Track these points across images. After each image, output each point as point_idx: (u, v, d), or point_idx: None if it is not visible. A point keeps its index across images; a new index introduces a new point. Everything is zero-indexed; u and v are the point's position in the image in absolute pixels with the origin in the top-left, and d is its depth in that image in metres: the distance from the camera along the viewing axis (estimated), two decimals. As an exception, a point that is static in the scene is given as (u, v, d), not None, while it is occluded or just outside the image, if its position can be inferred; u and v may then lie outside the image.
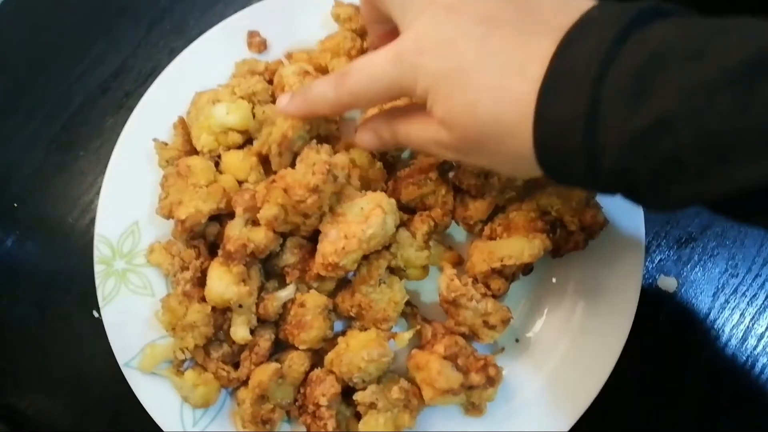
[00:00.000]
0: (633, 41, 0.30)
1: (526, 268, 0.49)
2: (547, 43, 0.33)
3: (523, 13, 0.35)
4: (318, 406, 0.47)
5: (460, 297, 0.46)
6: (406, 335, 0.49)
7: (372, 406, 0.47)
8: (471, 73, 0.35)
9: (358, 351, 0.47)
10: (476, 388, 0.47)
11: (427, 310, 0.52)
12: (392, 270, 0.51)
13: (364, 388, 0.47)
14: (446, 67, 0.36)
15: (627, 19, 0.30)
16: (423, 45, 0.37)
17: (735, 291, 0.54)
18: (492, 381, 0.47)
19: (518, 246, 0.46)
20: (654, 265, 0.55)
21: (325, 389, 0.47)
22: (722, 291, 0.54)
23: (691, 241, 0.55)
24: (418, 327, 0.50)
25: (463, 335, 0.49)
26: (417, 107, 0.41)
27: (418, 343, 0.50)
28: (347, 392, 0.49)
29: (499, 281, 0.48)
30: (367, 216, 0.46)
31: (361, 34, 0.55)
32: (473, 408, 0.48)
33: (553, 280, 0.52)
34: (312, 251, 0.51)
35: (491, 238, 0.50)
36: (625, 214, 0.51)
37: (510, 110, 0.34)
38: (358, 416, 0.48)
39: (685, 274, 0.54)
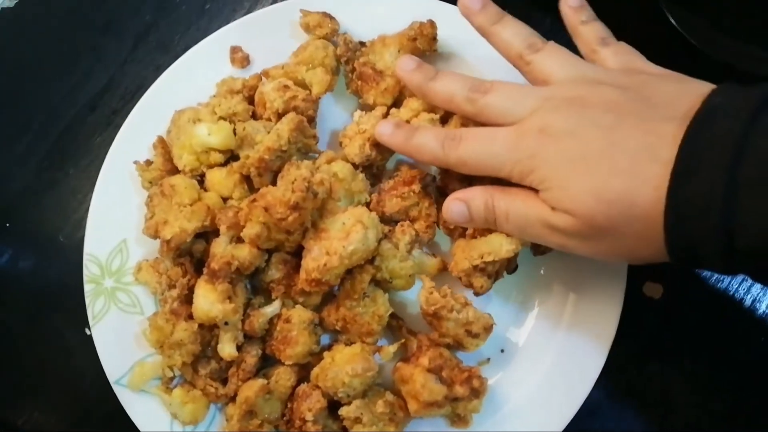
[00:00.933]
0: (763, 126, 0.32)
1: (510, 266, 0.49)
2: (673, 128, 0.35)
3: (644, 100, 0.38)
4: (304, 421, 0.48)
5: (440, 309, 0.47)
6: (391, 349, 0.49)
7: (357, 420, 0.47)
8: (599, 160, 0.37)
9: (343, 366, 0.47)
10: (461, 400, 0.47)
11: (414, 322, 0.53)
12: (377, 282, 0.51)
13: (349, 403, 0.48)
14: (571, 155, 0.38)
15: (754, 104, 0.33)
16: (546, 134, 0.39)
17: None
18: (476, 392, 0.47)
19: (497, 242, 0.46)
20: (640, 270, 0.55)
21: (311, 404, 0.48)
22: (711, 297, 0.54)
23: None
24: (404, 340, 0.51)
25: (448, 346, 0.49)
26: (519, 187, 0.42)
27: (404, 355, 0.51)
28: (334, 406, 0.49)
29: (482, 279, 0.48)
30: (348, 232, 0.47)
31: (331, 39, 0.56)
32: (459, 420, 0.49)
33: (539, 276, 0.53)
34: (297, 266, 0.51)
35: (474, 237, 0.50)
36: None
37: (643, 193, 0.35)
38: (344, 430, 0.49)
39: (671, 280, 0.54)
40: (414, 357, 0.49)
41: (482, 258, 0.46)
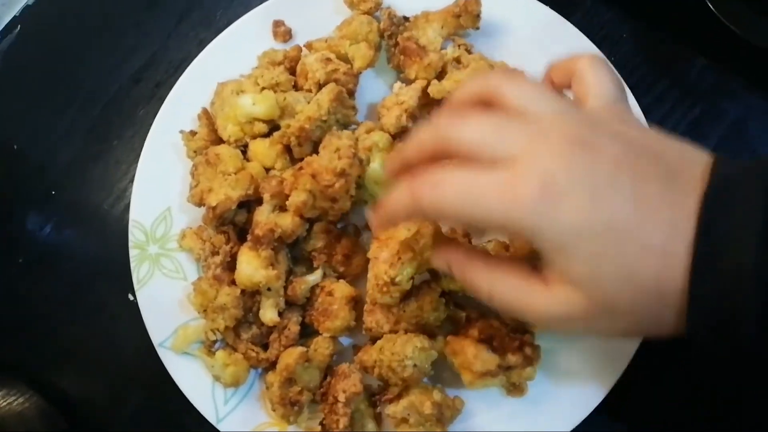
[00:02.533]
0: None
1: None
2: (692, 202, 0.31)
3: (658, 162, 0.33)
4: (336, 400, 0.48)
5: None
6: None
7: (404, 420, 0.47)
8: (628, 233, 0.31)
9: (404, 344, 0.47)
10: (515, 369, 0.47)
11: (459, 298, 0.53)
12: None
13: (398, 390, 0.47)
14: (593, 222, 0.32)
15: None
16: (556, 187, 0.32)
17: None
18: (530, 360, 0.47)
19: None
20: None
21: (346, 386, 0.47)
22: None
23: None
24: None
25: (511, 328, 0.48)
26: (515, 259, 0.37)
27: (454, 328, 0.50)
28: (372, 393, 0.50)
29: None
30: (418, 229, 0.46)
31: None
32: (514, 389, 0.48)
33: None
34: (338, 236, 0.52)
35: None
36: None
37: (674, 276, 0.31)
38: (377, 419, 0.49)
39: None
40: (464, 329, 0.49)
41: None
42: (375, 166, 0.51)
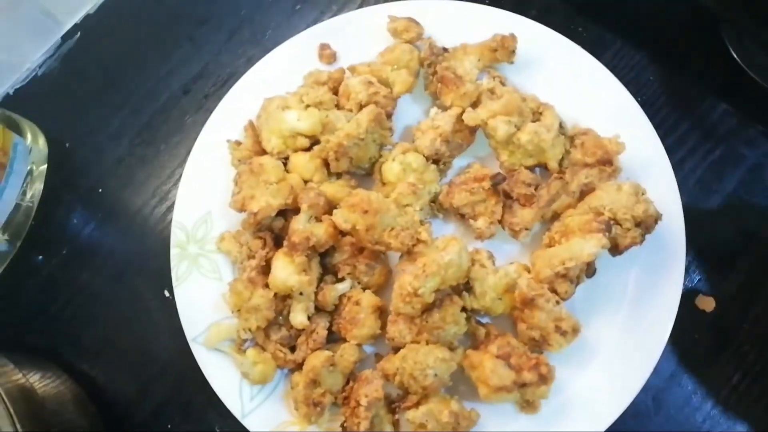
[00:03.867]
0: None
1: (589, 270, 0.51)
2: None
3: None
4: (358, 404, 0.50)
5: (538, 297, 0.48)
6: None
7: (422, 426, 0.49)
8: None
9: (427, 355, 0.49)
10: (529, 386, 0.49)
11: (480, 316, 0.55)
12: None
13: (417, 398, 0.50)
14: None
15: None
16: None
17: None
18: (545, 379, 0.49)
19: (577, 247, 0.48)
20: (693, 284, 0.57)
21: (369, 391, 0.50)
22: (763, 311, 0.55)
23: (731, 263, 0.57)
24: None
25: (531, 342, 0.50)
26: None
27: (473, 344, 0.53)
28: (391, 401, 0.52)
29: (565, 284, 0.50)
30: (445, 246, 0.49)
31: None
32: (528, 405, 0.50)
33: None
34: (361, 249, 0.55)
35: (551, 246, 0.52)
36: (669, 233, 0.53)
37: None
38: (395, 425, 0.51)
39: (721, 296, 0.56)
40: (483, 345, 0.51)
41: (564, 264, 0.49)
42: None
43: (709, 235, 0.57)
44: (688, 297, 0.55)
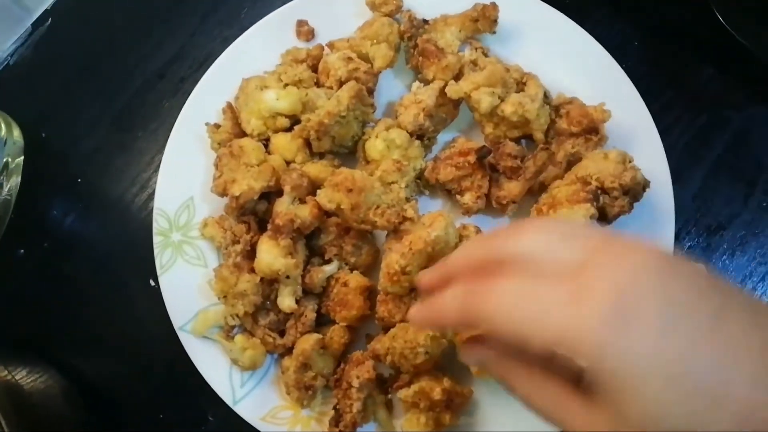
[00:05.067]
0: None
1: None
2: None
3: (728, 292, 0.30)
4: (350, 385, 0.49)
5: None
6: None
7: (414, 405, 0.48)
8: (705, 377, 0.27)
9: (418, 333, 0.48)
10: None
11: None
12: None
13: (408, 377, 0.49)
14: (667, 359, 0.27)
15: None
16: (627, 307, 0.28)
17: (763, 279, 0.55)
18: None
19: (564, 217, 0.48)
20: (683, 251, 0.56)
21: (360, 372, 0.49)
22: (750, 278, 0.55)
23: (720, 229, 0.56)
24: None
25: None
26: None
27: None
28: (383, 381, 0.52)
29: None
30: (431, 222, 0.48)
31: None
32: None
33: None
34: (347, 229, 0.54)
35: (541, 213, 0.51)
36: (657, 201, 0.52)
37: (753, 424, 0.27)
38: (387, 406, 0.51)
39: (713, 261, 0.56)
40: None
41: None
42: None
43: (698, 202, 0.57)
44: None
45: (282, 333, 0.54)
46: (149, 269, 0.58)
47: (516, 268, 0.32)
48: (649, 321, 0.27)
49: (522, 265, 0.31)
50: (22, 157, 0.66)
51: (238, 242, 0.54)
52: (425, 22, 0.58)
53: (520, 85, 0.56)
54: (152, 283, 0.59)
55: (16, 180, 0.65)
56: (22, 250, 0.64)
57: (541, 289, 0.30)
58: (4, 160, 0.64)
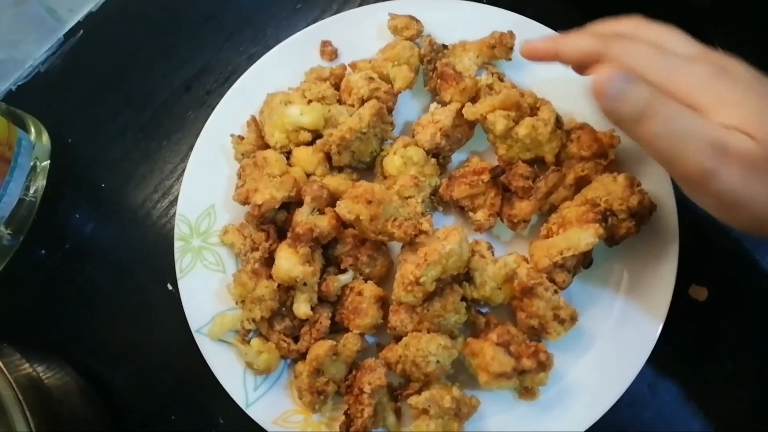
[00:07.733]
0: None
1: (586, 260, 0.52)
2: None
3: None
4: (361, 391, 0.51)
5: (537, 285, 0.50)
6: None
7: (425, 411, 0.50)
8: None
9: (428, 342, 0.50)
10: (528, 373, 0.50)
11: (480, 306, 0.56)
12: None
13: (419, 386, 0.51)
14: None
15: None
16: (730, 73, 0.38)
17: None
18: (543, 366, 0.50)
19: (574, 237, 0.49)
20: (686, 273, 0.58)
21: (372, 378, 0.51)
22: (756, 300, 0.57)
23: (725, 251, 0.58)
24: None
25: (530, 330, 0.51)
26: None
27: (474, 332, 0.54)
28: (393, 389, 0.53)
29: (563, 274, 0.51)
30: (446, 236, 0.50)
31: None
32: (526, 392, 0.51)
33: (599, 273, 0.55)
34: (363, 240, 0.56)
35: (548, 237, 0.53)
36: (662, 224, 0.54)
37: None
38: (397, 413, 0.53)
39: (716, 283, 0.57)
40: (483, 333, 0.52)
41: (562, 254, 0.50)
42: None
43: (701, 226, 0.59)
44: (681, 286, 0.57)
45: (296, 339, 0.55)
46: (168, 274, 0.60)
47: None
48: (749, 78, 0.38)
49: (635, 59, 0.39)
50: (49, 161, 0.68)
51: (257, 249, 0.56)
52: (444, 47, 0.61)
53: (534, 110, 0.58)
54: (170, 287, 0.61)
55: (41, 183, 0.67)
56: (44, 251, 0.65)
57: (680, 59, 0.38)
58: (32, 162, 0.66)
